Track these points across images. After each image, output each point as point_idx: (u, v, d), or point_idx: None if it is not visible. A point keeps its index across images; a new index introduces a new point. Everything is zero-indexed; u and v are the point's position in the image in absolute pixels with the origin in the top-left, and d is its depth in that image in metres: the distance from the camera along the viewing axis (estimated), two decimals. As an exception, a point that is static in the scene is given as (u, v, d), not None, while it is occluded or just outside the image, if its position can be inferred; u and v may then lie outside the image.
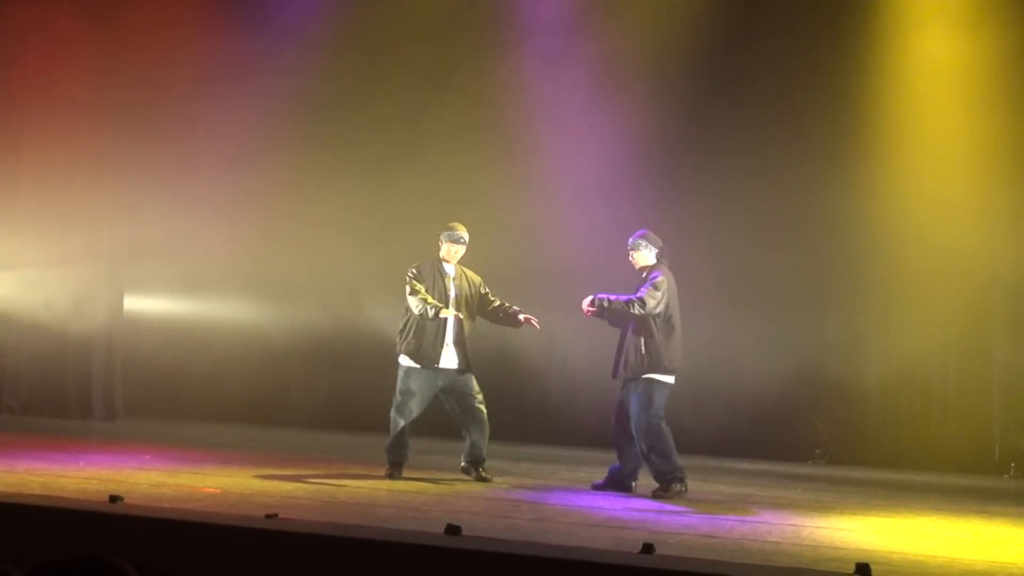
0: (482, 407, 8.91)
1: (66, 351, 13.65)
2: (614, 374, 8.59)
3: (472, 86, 12.80)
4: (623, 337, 8.52)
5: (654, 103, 12.25)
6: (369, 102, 13.05)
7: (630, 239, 8.67)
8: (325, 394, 13.91)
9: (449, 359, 8.83)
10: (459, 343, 8.84)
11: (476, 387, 8.91)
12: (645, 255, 8.60)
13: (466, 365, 8.86)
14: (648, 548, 5.42)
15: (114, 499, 6.32)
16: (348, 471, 9.22)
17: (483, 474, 8.88)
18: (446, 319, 8.69)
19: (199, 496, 7.37)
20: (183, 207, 13.27)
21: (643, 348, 8.37)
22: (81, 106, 13.52)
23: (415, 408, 8.87)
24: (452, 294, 8.87)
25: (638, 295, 8.36)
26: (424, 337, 8.78)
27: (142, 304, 14.21)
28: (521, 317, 8.91)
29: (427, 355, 8.79)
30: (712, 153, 12.44)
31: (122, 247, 13.84)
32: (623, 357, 8.48)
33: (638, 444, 8.40)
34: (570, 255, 12.04)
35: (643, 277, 8.55)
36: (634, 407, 8.39)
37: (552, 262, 12.41)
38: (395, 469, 8.90)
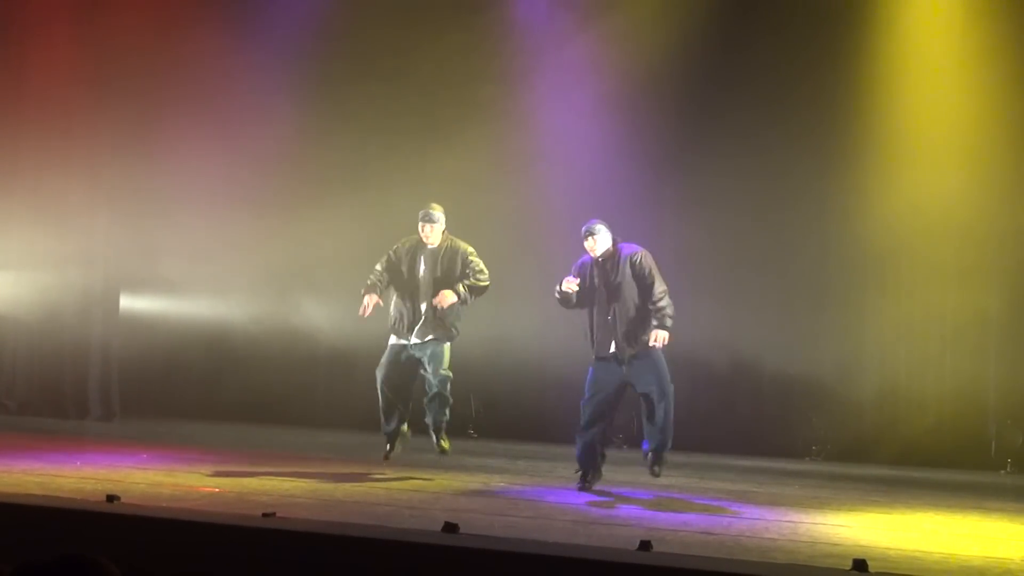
0: (435, 381, 8.76)
1: (63, 351, 13.63)
2: (634, 347, 8.27)
3: (468, 86, 12.79)
4: (624, 314, 8.28)
5: (652, 100, 12.25)
6: (367, 103, 13.03)
7: (588, 225, 8.44)
8: (322, 392, 13.89)
9: (419, 334, 8.85)
10: (429, 318, 8.82)
11: (441, 359, 8.79)
12: (607, 236, 8.42)
13: (435, 337, 8.84)
14: (645, 545, 5.43)
15: (111, 498, 6.34)
16: (345, 469, 9.21)
17: (440, 443, 8.96)
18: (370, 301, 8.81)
19: (196, 495, 7.37)
20: (179, 207, 13.25)
21: (644, 319, 8.28)
22: (77, 108, 13.48)
23: (381, 373, 8.83)
24: (421, 271, 8.89)
25: (661, 291, 8.25)
26: (395, 310, 8.91)
27: (139, 304, 14.18)
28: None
29: (396, 329, 8.88)
30: (708, 151, 12.41)
31: (119, 247, 13.81)
32: (635, 333, 8.25)
33: (668, 414, 8.20)
34: (565, 252, 12.02)
35: (638, 263, 8.37)
36: (661, 379, 8.19)
37: (548, 259, 12.39)
38: (390, 447, 8.94)
